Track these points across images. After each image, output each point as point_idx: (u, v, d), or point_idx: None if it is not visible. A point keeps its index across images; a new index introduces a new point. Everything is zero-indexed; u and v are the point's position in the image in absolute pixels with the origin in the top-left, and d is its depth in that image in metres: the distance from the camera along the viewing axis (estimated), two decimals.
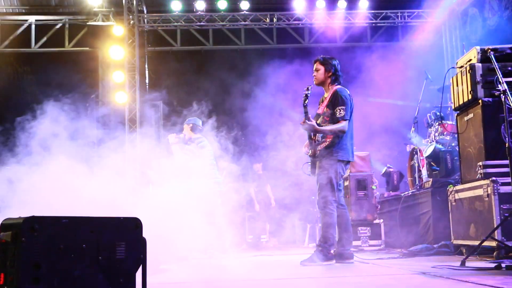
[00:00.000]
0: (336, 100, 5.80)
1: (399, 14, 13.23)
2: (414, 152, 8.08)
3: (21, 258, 2.24)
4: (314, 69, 6.06)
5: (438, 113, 8.15)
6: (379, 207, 8.39)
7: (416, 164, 7.92)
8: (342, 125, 5.72)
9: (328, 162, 5.76)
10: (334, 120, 5.78)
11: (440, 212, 6.78)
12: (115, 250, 2.49)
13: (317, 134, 5.88)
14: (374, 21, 13.30)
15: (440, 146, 7.51)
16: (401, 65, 11.20)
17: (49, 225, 2.33)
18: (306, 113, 5.66)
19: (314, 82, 6.05)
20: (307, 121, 5.67)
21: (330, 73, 5.98)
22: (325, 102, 5.93)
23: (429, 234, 7.05)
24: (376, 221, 8.23)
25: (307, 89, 5.65)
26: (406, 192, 8.07)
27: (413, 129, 8.53)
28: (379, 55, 12.22)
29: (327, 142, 5.82)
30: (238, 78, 12.82)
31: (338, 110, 5.74)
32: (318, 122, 5.88)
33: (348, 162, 5.96)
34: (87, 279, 2.39)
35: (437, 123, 8.05)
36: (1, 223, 2.35)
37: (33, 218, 2.29)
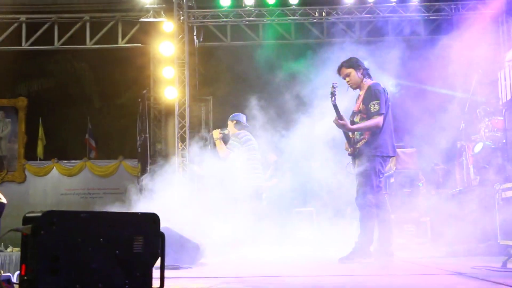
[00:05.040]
0: (370, 95, 5.73)
1: (452, 6, 12.86)
2: (462, 149, 7.87)
3: (40, 250, 2.33)
4: (343, 77, 5.97)
5: (488, 109, 7.89)
6: (426, 204, 8.20)
7: (465, 162, 7.71)
8: (376, 120, 5.64)
9: (366, 159, 5.69)
10: (370, 116, 5.70)
11: (487, 211, 6.57)
12: (132, 244, 2.54)
13: (355, 132, 5.83)
14: (426, 13, 12.98)
15: (488, 143, 7.27)
16: (455, 58, 10.88)
17: (67, 219, 2.41)
18: (336, 111, 5.62)
19: (352, 88, 5.99)
20: (339, 120, 5.63)
21: (361, 71, 5.91)
22: (360, 99, 5.87)
23: (476, 234, 6.84)
24: (422, 218, 8.06)
25: (333, 87, 5.60)
26: (454, 190, 7.86)
27: (462, 125, 8.29)
28: (433, 48, 11.91)
29: (365, 139, 5.75)
30: (288, 73, 12.78)
31: (373, 105, 5.67)
32: (356, 119, 5.83)
33: (388, 157, 5.87)
34: (105, 271, 2.46)
35: (487, 119, 7.80)
36: (23, 217, 2.44)
37: (52, 212, 2.37)
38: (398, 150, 8.65)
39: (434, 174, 8.65)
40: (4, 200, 3.27)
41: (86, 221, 2.45)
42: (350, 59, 5.98)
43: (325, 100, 6.91)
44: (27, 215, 2.44)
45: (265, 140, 8.76)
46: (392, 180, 8.32)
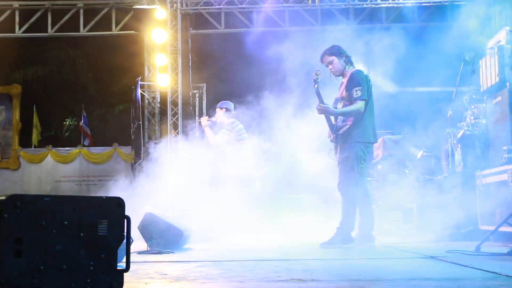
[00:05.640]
0: (353, 82, 5.79)
1: None
2: (448, 136, 7.91)
3: (3, 233, 2.38)
4: (326, 64, 6.03)
5: (474, 96, 7.91)
6: (412, 191, 8.26)
7: (450, 149, 7.76)
8: (358, 105, 5.71)
9: (347, 145, 5.76)
10: (352, 102, 5.76)
11: (469, 197, 6.64)
12: (96, 227, 2.60)
13: (338, 119, 5.90)
14: (421, 0, 12.95)
15: (469, 131, 7.32)
16: (447, 47, 10.90)
17: (31, 203, 2.46)
18: (319, 97, 5.70)
19: (335, 75, 6.05)
20: (320, 104, 5.71)
21: (343, 58, 5.96)
22: (343, 86, 5.93)
23: (459, 219, 6.91)
24: (409, 205, 8.12)
25: (315, 74, 5.66)
26: (439, 176, 7.92)
27: (450, 112, 8.32)
28: (426, 36, 11.93)
29: (348, 125, 5.81)
30: (283, 60, 12.78)
31: (355, 91, 5.73)
32: (339, 106, 5.90)
33: (370, 143, 5.94)
34: (69, 253, 2.51)
35: (472, 106, 7.82)
36: None
37: (15, 196, 2.42)
38: (386, 137, 8.72)
39: (420, 161, 8.69)
40: None
41: (50, 204, 2.51)
42: (332, 47, 6.04)
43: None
44: None
45: (258, 127, 8.81)
46: (379, 166, 8.38)
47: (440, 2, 12.94)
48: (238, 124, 8.47)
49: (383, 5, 13.05)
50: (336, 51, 5.99)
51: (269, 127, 9.43)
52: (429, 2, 12.98)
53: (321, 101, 5.78)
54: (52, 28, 13.48)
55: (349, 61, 5.99)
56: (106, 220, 2.64)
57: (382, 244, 5.90)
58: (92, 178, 15.78)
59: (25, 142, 16.39)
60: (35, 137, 16.58)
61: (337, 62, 5.97)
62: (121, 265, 2.69)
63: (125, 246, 2.77)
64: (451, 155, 7.74)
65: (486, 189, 5.84)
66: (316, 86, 5.69)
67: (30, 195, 2.49)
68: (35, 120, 16.51)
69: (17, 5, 13.34)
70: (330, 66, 6.01)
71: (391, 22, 13.44)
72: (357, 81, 5.79)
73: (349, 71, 5.95)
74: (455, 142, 7.52)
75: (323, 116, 5.98)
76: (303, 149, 9.91)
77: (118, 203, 2.69)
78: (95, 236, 2.60)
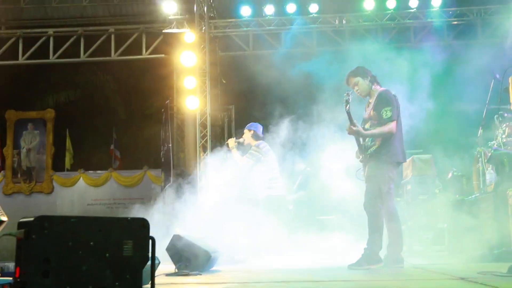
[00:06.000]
0: (381, 102, 5.77)
1: (474, 11, 12.77)
2: (479, 156, 7.80)
3: (32, 253, 2.45)
4: (352, 86, 6.03)
5: (506, 114, 7.80)
6: (443, 211, 8.14)
7: (481, 168, 7.64)
8: (390, 127, 5.68)
9: (376, 165, 5.73)
10: (381, 122, 5.73)
11: (501, 217, 6.52)
12: (122, 248, 2.65)
13: (367, 139, 5.88)
14: (449, 19, 12.90)
15: (501, 148, 7.21)
16: (477, 65, 10.79)
17: (58, 224, 2.53)
18: (350, 119, 5.67)
19: (362, 96, 6.05)
20: (352, 127, 5.69)
21: (369, 78, 5.95)
22: (371, 106, 5.91)
23: (492, 240, 6.78)
24: (439, 225, 8.00)
25: (347, 94, 5.64)
26: (471, 196, 7.80)
27: (480, 131, 8.21)
28: (457, 54, 11.83)
29: (376, 145, 5.79)
30: (312, 81, 12.80)
31: (385, 112, 5.70)
32: (367, 126, 5.87)
33: (398, 163, 5.91)
34: (95, 273, 2.57)
35: (504, 125, 7.71)
36: (18, 222, 2.57)
37: (43, 217, 2.49)
38: (415, 157, 8.63)
39: (451, 181, 8.58)
40: (4, 218, 3.40)
41: (76, 225, 2.57)
42: (356, 69, 6.06)
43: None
44: (21, 220, 2.56)
45: (291, 150, 8.80)
46: (408, 186, 8.29)
47: (470, 19, 12.88)
48: (265, 145, 8.48)
49: (411, 24, 13.05)
50: (360, 72, 6.00)
51: (302, 149, 9.43)
52: (457, 20, 12.93)
53: (352, 121, 5.74)
54: (84, 53, 13.78)
55: (374, 81, 5.99)
56: (131, 240, 2.69)
57: (411, 265, 5.82)
58: (123, 201, 15.94)
59: (58, 166, 16.70)
60: (68, 160, 16.89)
61: (362, 82, 5.98)
62: (148, 287, 2.73)
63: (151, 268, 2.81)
64: (482, 175, 7.63)
65: None
66: (347, 106, 5.66)
67: (58, 216, 2.55)
68: (68, 143, 16.84)
69: (52, 32, 13.70)
70: (356, 88, 6.01)
71: (419, 41, 13.39)
72: (386, 101, 5.77)
73: (376, 90, 5.94)
74: (486, 161, 7.41)
75: (352, 136, 5.96)
76: (334, 170, 9.88)
77: (143, 224, 2.74)
78: (120, 256, 2.65)
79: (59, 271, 2.49)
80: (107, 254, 2.61)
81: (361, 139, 5.97)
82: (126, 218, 2.72)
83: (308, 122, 11.72)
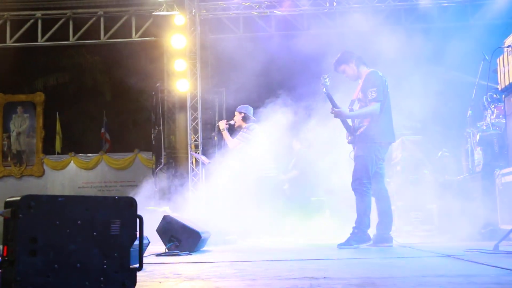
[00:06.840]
0: (368, 83, 5.80)
1: None
2: (468, 136, 7.84)
3: (19, 232, 2.45)
4: (341, 73, 6.06)
5: (494, 95, 7.84)
6: (432, 191, 8.20)
7: (470, 148, 7.69)
8: (373, 107, 5.71)
9: (363, 145, 5.78)
10: (367, 103, 5.76)
11: (489, 196, 6.58)
12: (109, 227, 2.65)
13: (355, 120, 5.90)
14: (439, 0, 12.87)
15: (490, 129, 7.26)
16: (471, 47, 10.79)
17: (45, 203, 2.53)
18: (330, 101, 5.70)
19: (352, 80, 6.08)
20: (334, 108, 5.71)
21: (353, 62, 5.97)
22: (359, 87, 5.94)
23: (480, 219, 6.85)
24: (429, 205, 8.07)
25: (323, 77, 5.66)
26: (459, 177, 7.86)
27: (470, 112, 8.25)
28: (446, 36, 11.82)
29: (364, 126, 5.82)
30: (303, 64, 12.77)
31: (370, 92, 5.73)
32: (354, 107, 5.90)
33: (387, 143, 5.94)
34: (82, 252, 2.57)
35: (492, 106, 7.75)
36: (5, 202, 2.57)
37: (29, 196, 2.49)
38: (404, 138, 8.67)
39: (440, 161, 8.63)
40: None
41: (63, 204, 2.57)
42: (339, 56, 6.09)
43: (340, 88, 6.96)
44: (8, 199, 2.57)
45: (286, 129, 8.79)
46: (398, 167, 8.34)
47: (460, 2, 12.85)
48: (255, 127, 8.50)
49: (402, 6, 13.01)
50: (343, 58, 6.03)
51: (297, 130, 9.44)
52: (449, 2, 12.90)
53: (334, 104, 5.76)
54: (73, 36, 13.67)
55: (361, 62, 6.00)
56: (119, 219, 2.70)
57: (400, 244, 5.88)
58: (114, 183, 15.94)
59: (48, 149, 16.65)
60: (58, 144, 16.82)
61: (348, 68, 6.03)
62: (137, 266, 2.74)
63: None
64: (471, 155, 7.67)
65: (506, 188, 5.78)
66: (324, 89, 5.69)
67: (44, 196, 2.56)
68: (58, 127, 16.76)
69: (40, 15, 13.56)
70: (344, 74, 6.07)
71: (411, 23, 13.37)
72: (372, 82, 5.80)
73: (364, 72, 5.96)
74: (475, 141, 7.45)
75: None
76: (326, 151, 9.92)
77: (130, 203, 2.74)
78: (107, 235, 2.66)
79: (46, 250, 2.49)
80: (95, 233, 2.62)
81: (349, 121, 5.99)
82: (113, 197, 2.71)
83: (301, 103, 11.74)
